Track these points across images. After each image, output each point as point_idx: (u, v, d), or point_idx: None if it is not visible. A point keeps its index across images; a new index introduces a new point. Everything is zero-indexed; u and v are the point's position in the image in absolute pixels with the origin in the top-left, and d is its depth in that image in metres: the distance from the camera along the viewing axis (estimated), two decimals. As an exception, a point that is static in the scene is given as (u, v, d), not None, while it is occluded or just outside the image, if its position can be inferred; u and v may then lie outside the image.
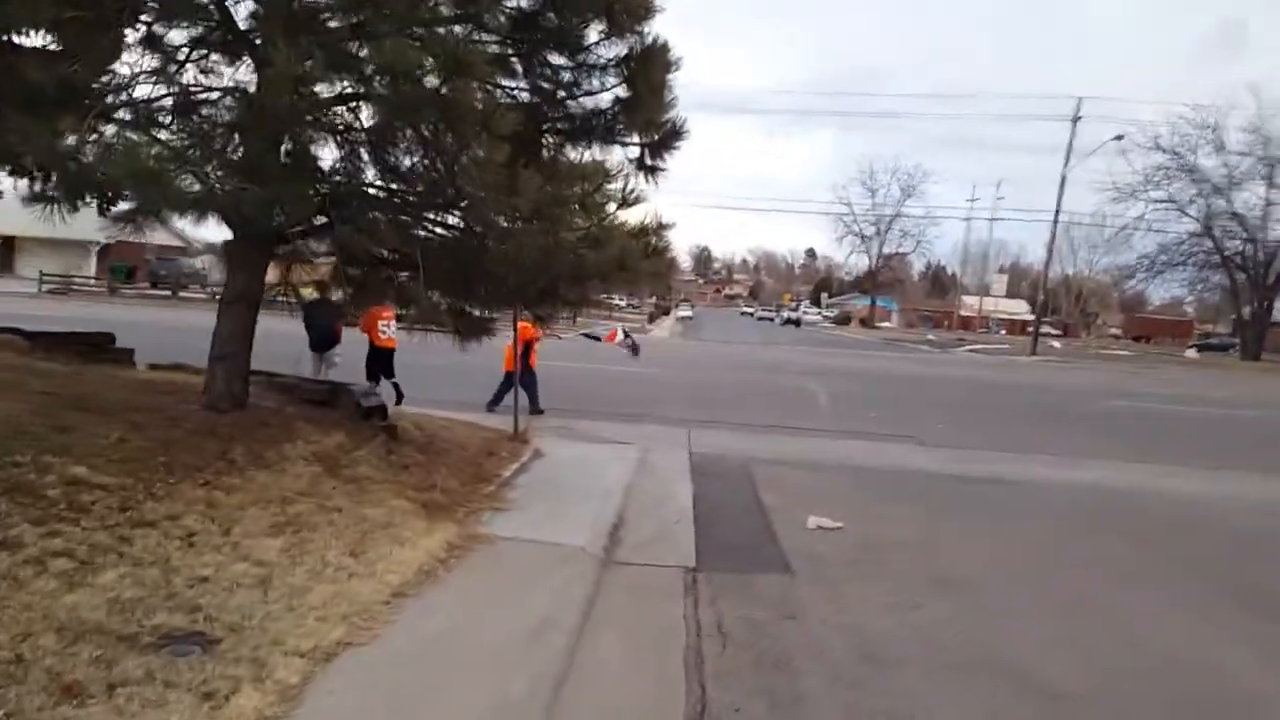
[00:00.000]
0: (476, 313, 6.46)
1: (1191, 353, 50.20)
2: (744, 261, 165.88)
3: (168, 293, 34.02)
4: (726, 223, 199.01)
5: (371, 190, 5.35)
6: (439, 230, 5.79)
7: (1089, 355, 44.39)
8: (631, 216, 6.95)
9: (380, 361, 10.81)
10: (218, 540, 4.06)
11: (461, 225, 5.61)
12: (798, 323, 75.86)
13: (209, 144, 4.65)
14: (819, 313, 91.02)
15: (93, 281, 34.84)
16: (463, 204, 5.06)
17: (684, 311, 77.15)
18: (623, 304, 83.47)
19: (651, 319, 57.14)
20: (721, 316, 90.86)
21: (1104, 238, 70.49)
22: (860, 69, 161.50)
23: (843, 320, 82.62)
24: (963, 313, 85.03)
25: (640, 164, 6.96)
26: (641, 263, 6.53)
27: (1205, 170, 46.04)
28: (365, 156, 5.33)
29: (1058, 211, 40.83)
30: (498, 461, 7.56)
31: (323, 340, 10.22)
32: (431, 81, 4.22)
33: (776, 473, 8.89)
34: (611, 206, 5.95)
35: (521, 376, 11.41)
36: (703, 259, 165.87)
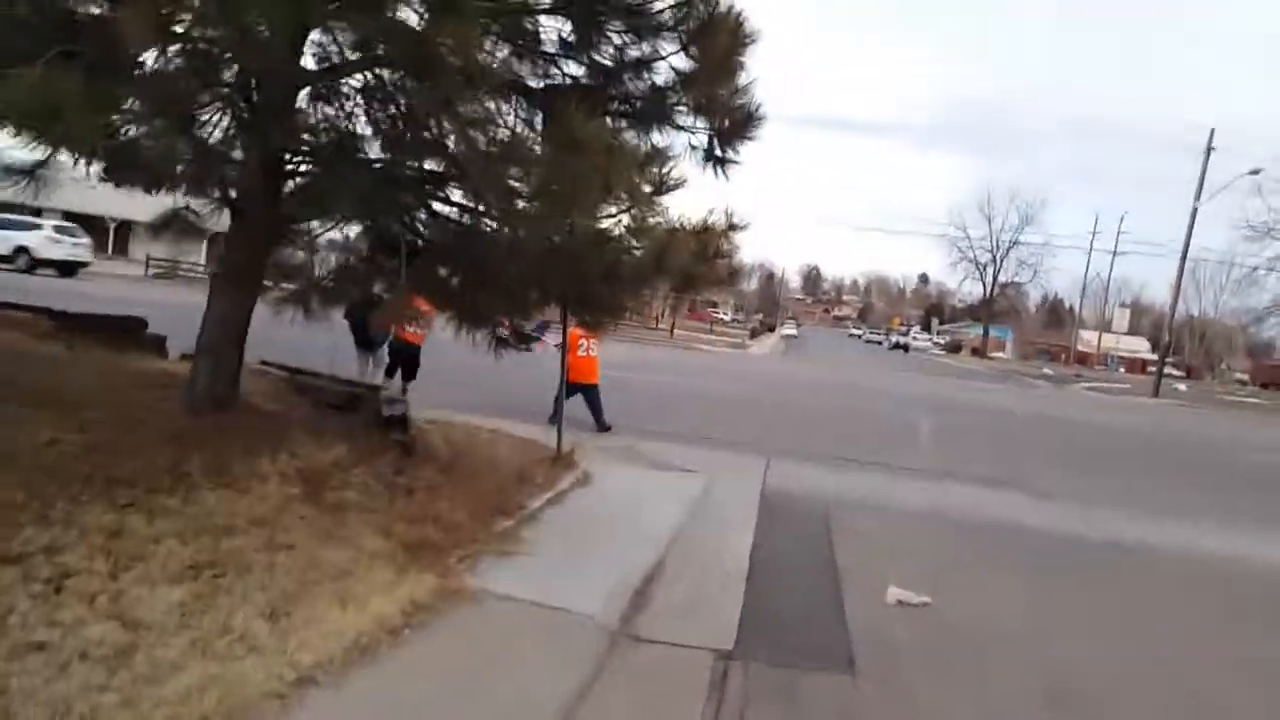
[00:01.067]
0: (484, 313, 5.49)
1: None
2: (854, 283, 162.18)
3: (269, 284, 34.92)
4: (838, 242, 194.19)
5: (350, 155, 4.47)
6: (436, 209, 4.87)
7: (1216, 400, 40.07)
8: (693, 213, 5.87)
9: (403, 360, 10.06)
10: (98, 585, 3.19)
11: (465, 204, 4.67)
12: (906, 348, 72.84)
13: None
14: (929, 339, 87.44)
15: (200, 268, 36.13)
16: (453, 176, 4.12)
17: (789, 329, 75.45)
18: (726, 317, 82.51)
19: (753, 335, 55.50)
20: (828, 337, 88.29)
21: (1230, 279, 65.39)
22: (986, 99, 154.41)
23: (954, 348, 79.06)
24: (1080, 347, 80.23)
25: (709, 155, 5.87)
26: (697, 266, 5.42)
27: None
28: (348, 113, 4.47)
29: (1186, 247, 36.95)
30: (529, 489, 6.56)
31: (367, 337, 9.56)
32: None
33: (859, 522, 7.56)
34: (649, 192, 4.87)
35: (583, 390, 10.49)
36: (812, 278, 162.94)
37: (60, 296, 11.51)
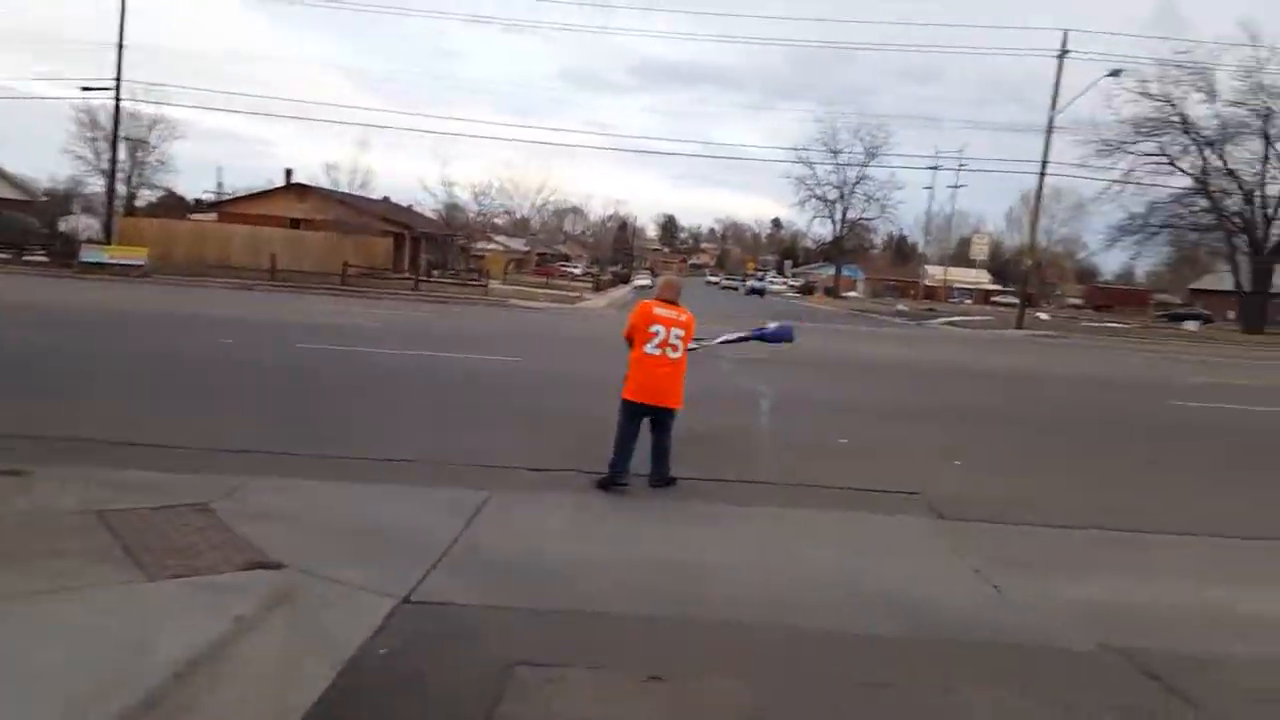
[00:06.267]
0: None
1: (1190, 325, 45.24)
2: (711, 230, 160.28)
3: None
4: (694, 192, 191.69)
5: None
6: None
7: (1076, 330, 38.88)
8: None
9: None
10: None
11: None
12: (761, 292, 70.50)
13: None
14: (784, 281, 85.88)
15: None
16: None
17: (642, 280, 71.36)
18: (577, 271, 77.21)
19: (598, 288, 50.47)
20: (685, 286, 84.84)
21: (1061, 206, 67.70)
22: (830, 50, 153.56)
23: (807, 290, 77.79)
24: (927, 282, 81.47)
25: None
26: None
27: (1196, 121, 40.87)
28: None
29: (1045, 163, 35.06)
30: None
31: None
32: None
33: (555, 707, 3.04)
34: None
35: (660, 416, 6.24)
36: (668, 228, 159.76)
37: None
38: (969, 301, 76.71)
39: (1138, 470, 8.27)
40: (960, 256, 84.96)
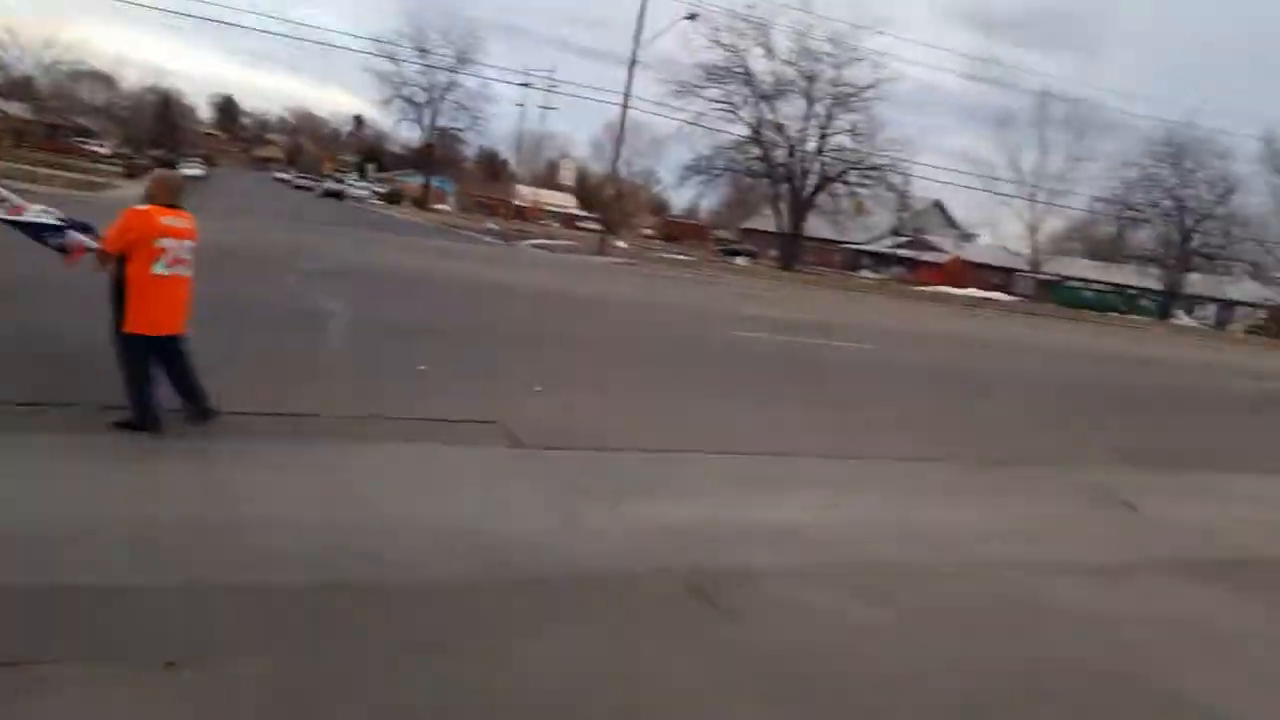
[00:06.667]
0: None
1: (742, 260, 52.66)
2: (281, 120, 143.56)
3: None
4: (259, 74, 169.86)
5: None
6: None
7: (652, 260, 42.75)
8: None
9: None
10: None
11: None
12: (340, 195, 65.45)
13: None
14: (367, 187, 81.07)
15: None
16: None
17: (193, 169, 61.80)
18: (104, 151, 64.25)
19: (130, 173, 42.24)
20: (248, 181, 75.35)
21: (641, 140, 74.88)
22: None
23: (394, 198, 74.37)
24: (518, 202, 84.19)
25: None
26: None
27: (757, 75, 46.72)
28: None
29: (627, 95, 37.94)
30: None
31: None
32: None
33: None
34: None
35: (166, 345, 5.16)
36: (227, 110, 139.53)
37: None
38: (556, 225, 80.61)
39: (708, 394, 8.92)
40: (550, 179, 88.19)
